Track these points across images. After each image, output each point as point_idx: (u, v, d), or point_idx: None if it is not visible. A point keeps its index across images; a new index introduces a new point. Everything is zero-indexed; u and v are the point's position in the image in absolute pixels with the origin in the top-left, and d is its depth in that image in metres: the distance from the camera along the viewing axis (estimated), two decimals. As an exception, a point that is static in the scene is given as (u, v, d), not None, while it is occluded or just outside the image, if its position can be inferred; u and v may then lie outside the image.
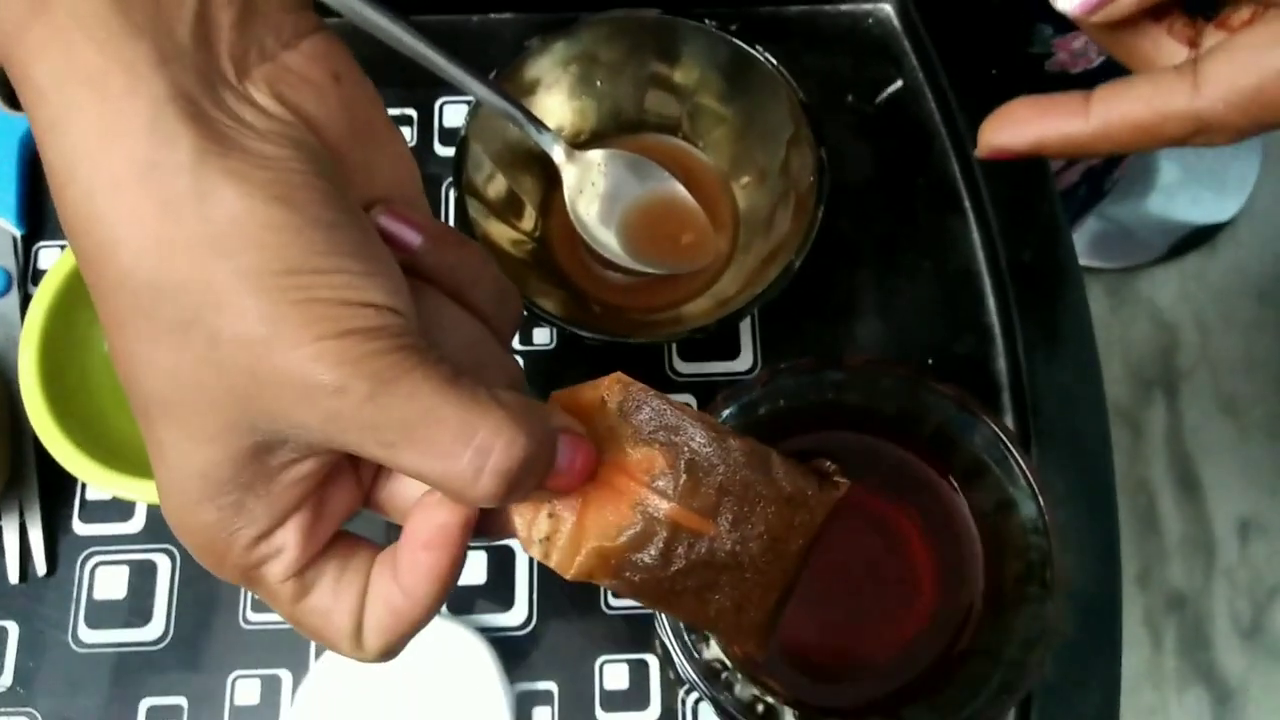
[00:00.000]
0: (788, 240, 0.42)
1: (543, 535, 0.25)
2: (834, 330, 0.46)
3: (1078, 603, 0.42)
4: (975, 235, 0.47)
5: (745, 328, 0.46)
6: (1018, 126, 0.29)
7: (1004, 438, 0.38)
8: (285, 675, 0.42)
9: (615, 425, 0.26)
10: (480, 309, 0.27)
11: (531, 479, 0.24)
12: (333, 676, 0.41)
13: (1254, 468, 1.26)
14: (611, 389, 0.26)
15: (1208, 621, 1.21)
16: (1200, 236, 1.32)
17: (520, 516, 0.26)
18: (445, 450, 0.22)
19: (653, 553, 0.25)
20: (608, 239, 0.45)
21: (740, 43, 0.43)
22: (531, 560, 0.43)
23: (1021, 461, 0.38)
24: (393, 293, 0.23)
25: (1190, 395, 1.29)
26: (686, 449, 0.26)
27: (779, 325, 0.47)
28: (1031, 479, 0.37)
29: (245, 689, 0.41)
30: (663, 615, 0.37)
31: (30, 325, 0.40)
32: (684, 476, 0.26)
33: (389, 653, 0.26)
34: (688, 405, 0.27)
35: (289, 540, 0.24)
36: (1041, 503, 0.37)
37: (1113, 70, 0.46)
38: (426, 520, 0.25)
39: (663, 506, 0.25)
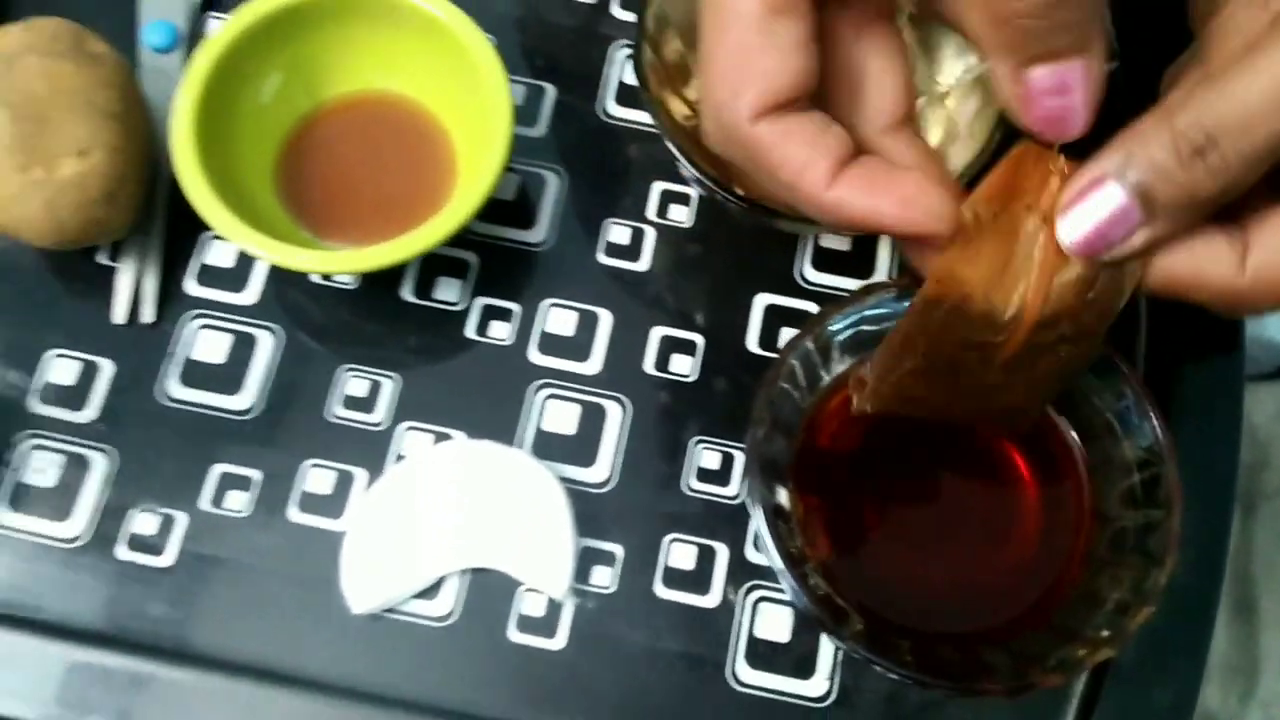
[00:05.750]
0: (951, 164, 0.41)
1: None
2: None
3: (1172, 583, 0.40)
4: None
5: (884, 247, 0.45)
6: None
7: (1132, 381, 0.36)
8: (360, 474, 0.41)
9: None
10: None
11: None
12: (406, 485, 0.40)
13: (1314, 607, 1.22)
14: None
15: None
16: (1310, 362, 1.28)
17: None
18: None
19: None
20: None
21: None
22: (622, 423, 0.42)
23: (1153, 415, 0.36)
24: None
25: (1267, 518, 1.25)
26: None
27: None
28: (1161, 436, 0.36)
29: (318, 477, 0.41)
30: (755, 491, 0.36)
31: (193, 72, 0.40)
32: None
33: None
34: None
35: None
36: (1167, 462, 0.36)
37: None
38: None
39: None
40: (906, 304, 0.38)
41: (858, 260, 0.45)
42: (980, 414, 0.35)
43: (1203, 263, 0.26)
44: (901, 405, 0.33)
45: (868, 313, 0.38)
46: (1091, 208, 0.25)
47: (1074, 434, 0.39)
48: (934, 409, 0.34)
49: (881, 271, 0.45)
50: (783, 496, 0.37)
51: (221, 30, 0.41)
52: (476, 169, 0.41)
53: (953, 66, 0.43)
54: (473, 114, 0.42)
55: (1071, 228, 0.26)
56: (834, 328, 0.38)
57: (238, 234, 0.38)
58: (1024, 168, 0.28)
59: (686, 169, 0.40)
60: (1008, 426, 0.35)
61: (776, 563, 0.35)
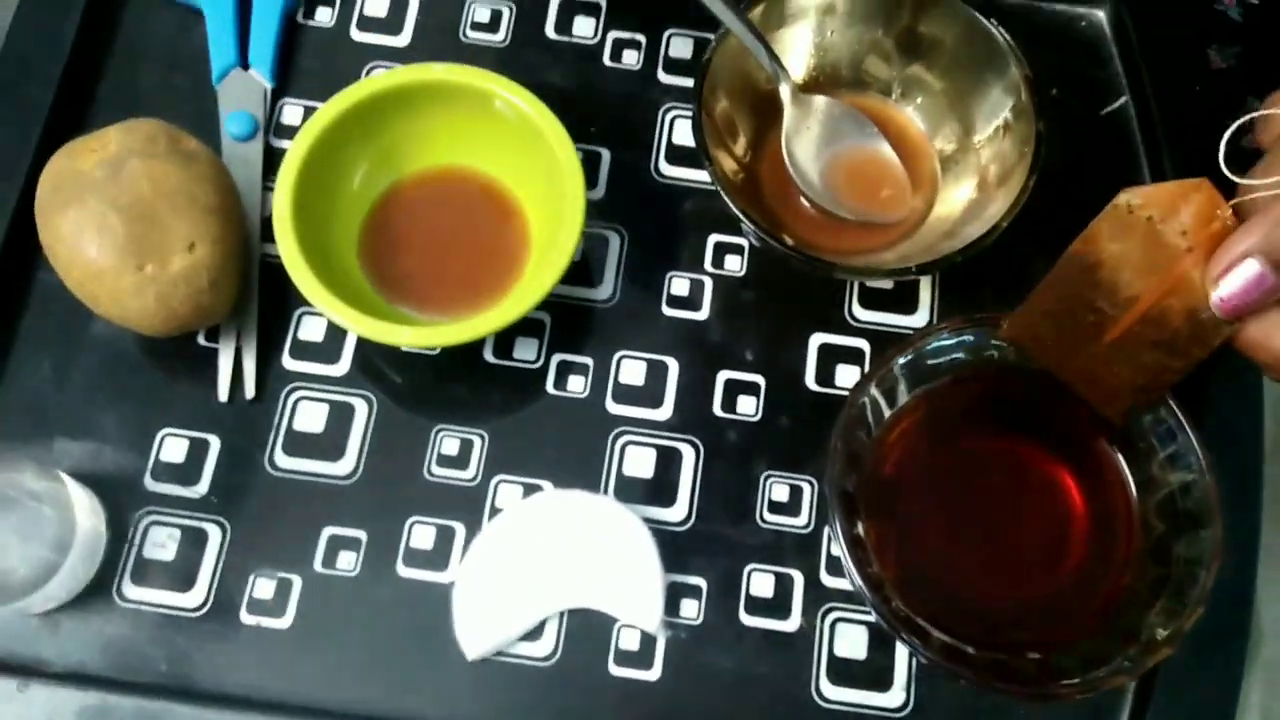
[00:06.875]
0: (986, 209, 0.45)
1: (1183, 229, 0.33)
2: (1010, 302, 0.48)
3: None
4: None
5: (926, 284, 0.49)
6: None
7: (1173, 407, 0.40)
8: (459, 528, 0.44)
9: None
10: None
11: None
12: (504, 536, 0.43)
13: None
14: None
15: (1240, 714, 1.21)
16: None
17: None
18: None
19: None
20: (813, 178, 0.47)
21: (979, 16, 0.45)
22: (696, 464, 0.46)
23: (1191, 434, 0.40)
24: None
25: (1267, 479, 1.29)
26: None
27: (957, 289, 0.49)
28: (1200, 453, 0.40)
29: (421, 534, 0.44)
30: (836, 523, 0.39)
31: (291, 156, 0.43)
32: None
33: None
34: None
35: None
36: (1207, 476, 0.39)
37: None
38: None
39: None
40: (960, 339, 0.42)
41: (901, 299, 0.49)
42: (1082, 378, 0.39)
43: (1270, 329, 0.33)
44: (1030, 340, 0.39)
45: (927, 348, 0.42)
46: (1240, 277, 0.32)
47: (1120, 455, 0.42)
48: (1052, 354, 0.39)
49: (924, 306, 0.49)
50: (859, 526, 0.41)
51: (311, 123, 0.44)
52: (551, 237, 0.44)
53: (984, 123, 0.47)
54: (542, 184, 0.45)
55: (1224, 290, 0.33)
56: (898, 363, 0.42)
57: (345, 317, 0.41)
58: (1196, 197, 0.34)
59: (744, 222, 0.44)
60: (1099, 404, 0.40)
61: (860, 587, 0.39)
